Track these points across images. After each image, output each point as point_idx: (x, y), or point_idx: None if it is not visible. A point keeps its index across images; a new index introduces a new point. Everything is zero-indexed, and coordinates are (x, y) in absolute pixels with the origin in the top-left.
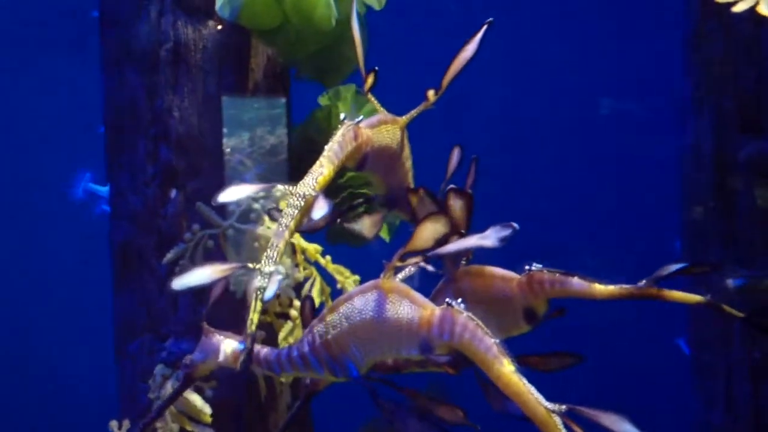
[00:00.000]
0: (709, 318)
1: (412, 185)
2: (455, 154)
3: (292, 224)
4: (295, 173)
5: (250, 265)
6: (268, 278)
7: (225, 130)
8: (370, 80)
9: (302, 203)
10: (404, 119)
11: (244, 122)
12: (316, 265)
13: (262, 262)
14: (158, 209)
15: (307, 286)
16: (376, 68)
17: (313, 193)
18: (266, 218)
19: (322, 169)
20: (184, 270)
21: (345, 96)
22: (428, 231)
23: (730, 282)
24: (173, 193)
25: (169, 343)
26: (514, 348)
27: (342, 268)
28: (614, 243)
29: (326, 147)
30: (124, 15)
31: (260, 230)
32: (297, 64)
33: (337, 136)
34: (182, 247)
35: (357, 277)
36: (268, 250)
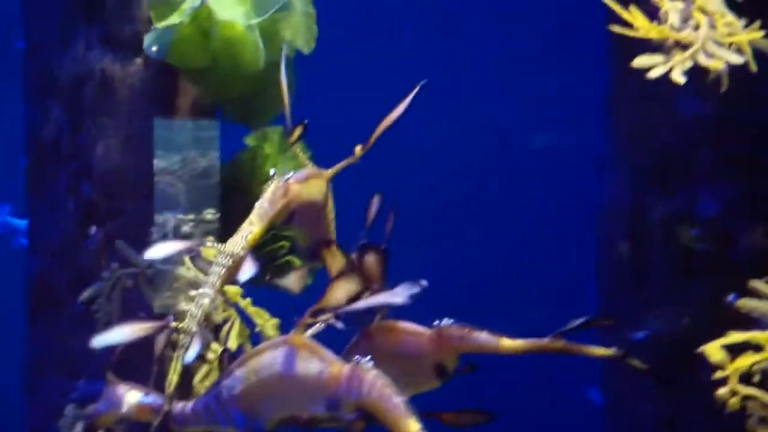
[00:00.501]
0: (622, 368)
1: (334, 236)
2: (375, 203)
3: (218, 283)
4: (223, 206)
5: (174, 325)
6: (190, 339)
7: (156, 152)
8: (296, 132)
9: (230, 262)
10: (330, 172)
11: (175, 143)
12: (236, 306)
13: (186, 320)
14: (77, 246)
15: (225, 328)
16: (305, 121)
17: (242, 253)
18: (187, 259)
19: (252, 227)
20: (101, 308)
21: (272, 137)
22: (341, 289)
23: (634, 335)
24: (93, 229)
25: (81, 384)
26: (425, 403)
27: (262, 311)
28: (533, 289)
29: (256, 204)
30: (50, 47)
31: (181, 271)
32: (224, 104)
33: (268, 193)
34: (100, 285)
35: (276, 320)
36: (193, 308)
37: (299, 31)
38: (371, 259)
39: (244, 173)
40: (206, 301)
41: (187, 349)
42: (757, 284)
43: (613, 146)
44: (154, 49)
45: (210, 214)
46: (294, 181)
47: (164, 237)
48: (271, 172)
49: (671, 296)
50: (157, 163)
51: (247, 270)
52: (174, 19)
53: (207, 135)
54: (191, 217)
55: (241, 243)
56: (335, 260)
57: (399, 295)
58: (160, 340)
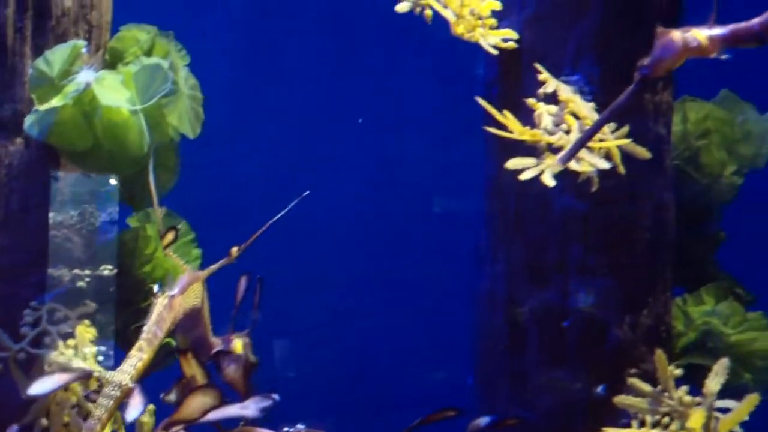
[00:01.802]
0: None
1: (210, 333)
2: (242, 284)
3: (105, 416)
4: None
5: None
6: None
7: (53, 205)
8: (169, 237)
9: (118, 393)
10: (205, 274)
11: (73, 197)
12: None
13: None
14: None
15: None
16: (177, 227)
17: (130, 384)
18: (60, 343)
19: (142, 354)
20: None
21: (155, 218)
22: (196, 403)
23: (479, 421)
24: None
25: None
26: None
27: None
28: (410, 374)
29: (145, 328)
30: None
31: (53, 355)
32: None
33: (154, 316)
34: None
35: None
36: None
37: (185, 115)
38: (232, 368)
39: (126, 254)
40: None
41: None
42: (635, 382)
43: (490, 238)
44: (34, 130)
45: (107, 269)
46: (177, 295)
47: (36, 322)
48: (155, 288)
49: (546, 385)
50: (54, 216)
51: (135, 408)
52: (56, 102)
53: (106, 190)
54: (87, 272)
55: (130, 371)
56: (191, 369)
57: (250, 409)
58: None
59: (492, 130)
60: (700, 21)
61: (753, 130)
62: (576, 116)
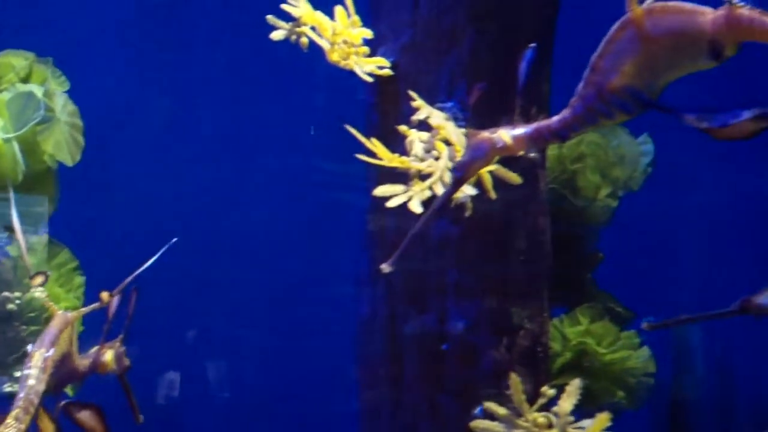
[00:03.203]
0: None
1: (77, 360)
2: (113, 304)
3: None
4: None
5: None
6: None
7: None
8: (38, 280)
9: None
10: (75, 316)
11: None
12: None
13: None
14: None
15: None
16: (48, 273)
17: None
18: None
19: (20, 425)
20: None
21: (36, 248)
22: None
23: None
24: None
25: None
26: None
27: None
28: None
29: (21, 395)
30: None
31: None
32: None
33: (31, 380)
34: None
35: None
36: None
37: (63, 143)
38: (85, 414)
39: (3, 283)
40: None
41: None
42: (490, 405)
43: (370, 261)
44: None
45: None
46: (51, 355)
47: None
48: (29, 347)
49: (424, 409)
50: None
51: None
52: None
53: (36, 210)
54: (18, 294)
55: None
56: (44, 424)
57: None
58: None
59: (362, 157)
60: (574, 48)
61: (626, 154)
62: (447, 143)
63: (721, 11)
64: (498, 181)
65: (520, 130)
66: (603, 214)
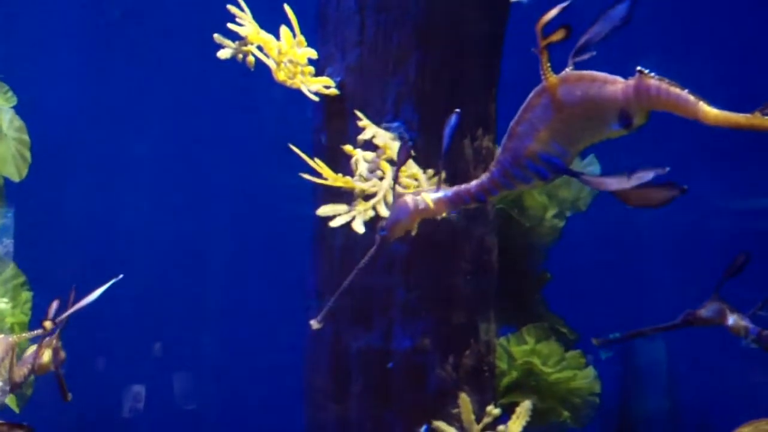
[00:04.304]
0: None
1: (15, 371)
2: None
3: None
4: None
5: None
6: None
7: None
8: None
9: None
10: (16, 340)
11: None
12: None
13: None
14: None
15: None
16: None
17: None
18: None
19: None
20: None
21: None
22: None
23: None
24: None
25: None
26: None
27: None
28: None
29: None
30: None
31: None
32: None
33: None
34: None
35: None
36: None
37: (9, 158)
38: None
39: None
40: None
41: None
42: (438, 424)
43: (317, 280)
44: None
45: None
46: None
47: None
48: None
49: (369, 427)
50: None
51: None
52: None
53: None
54: None
55: None
56: None
57: None
58: None
59: (306, 176)
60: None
61: None
62: (392, 162)
63: (631, 81)
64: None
65: (441, 194)
66: (550, 234)
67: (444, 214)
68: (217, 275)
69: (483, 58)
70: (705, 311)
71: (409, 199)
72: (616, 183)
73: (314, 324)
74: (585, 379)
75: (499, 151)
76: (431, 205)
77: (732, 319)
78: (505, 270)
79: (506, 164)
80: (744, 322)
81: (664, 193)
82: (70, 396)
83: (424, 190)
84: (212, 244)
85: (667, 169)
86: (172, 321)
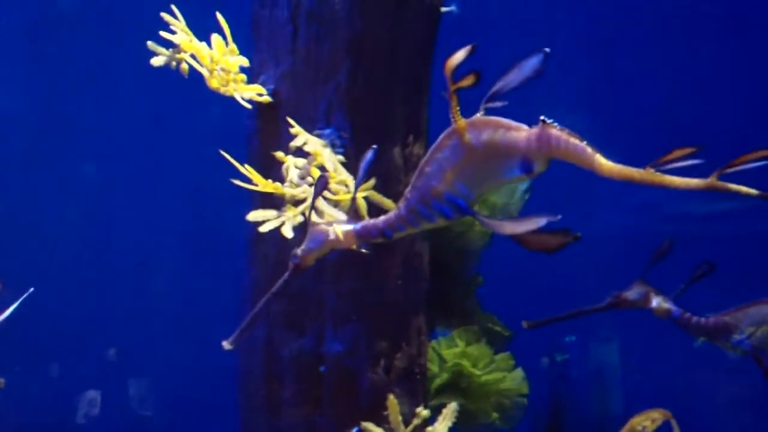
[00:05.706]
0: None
1: None
2: None
3: None
4: None
5: None
6: None
7: None
8: None
9: None
10: None
11: None
12: None
13: None
14: None
15: None
16: None
17: None
18: None
19: None
20: None
21: None
22: None
23: None
24: None
25: None
26: None
27: None
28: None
29: None
30: None
31: None
32: None
33: None
34: None
35: None
36: None
37: None
38: None
39: None
40: None
41: None
42: (367, 425)
43: (251, 284)
44: None
45: None
46: None
47: None
48: None
49: (300, 430)
50: None
51: None
52: None
53: None
54: None
55: None
56: None
57: None
58: None
59: (237, 182)
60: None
61: None
62: (323, 169)
63: (534, 129)
64: (374, 207)
65: (350, 227)
66: (481, 239)
67: (354, 246)
68: (161, 278)
69: (414, 66)
70: (630, 294)
71: (323, 228)
72: (509, 227)
73: (226, 345)
74: (513, 380)
75: (407, 189)
76: (341, 237)
77: (656, 302)
78: (437, 274)
79: (413, 202)
80: (667, 305)
81: (559, 239)
82: (3, 381)
83: (338, 221)
84: (156, 242)
85: (559, 216)
86: (113, 327)
